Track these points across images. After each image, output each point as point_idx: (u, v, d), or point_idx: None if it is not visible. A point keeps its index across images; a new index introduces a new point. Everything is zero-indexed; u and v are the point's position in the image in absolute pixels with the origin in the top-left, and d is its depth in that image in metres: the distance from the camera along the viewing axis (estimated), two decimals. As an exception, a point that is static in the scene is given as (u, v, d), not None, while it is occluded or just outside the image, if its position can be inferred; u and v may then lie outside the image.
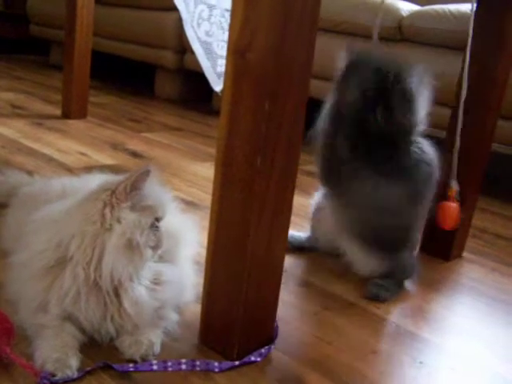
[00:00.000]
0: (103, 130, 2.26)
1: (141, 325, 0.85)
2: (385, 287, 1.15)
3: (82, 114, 2.37)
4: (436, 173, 1.13)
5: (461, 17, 2.05)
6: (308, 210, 1.34)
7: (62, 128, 2.18)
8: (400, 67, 1.06)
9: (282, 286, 0.91)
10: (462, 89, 1.24)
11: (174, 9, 2.22)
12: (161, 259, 0.92)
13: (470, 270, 1.37)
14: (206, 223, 0.86)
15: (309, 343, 0.96)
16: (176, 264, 0.96)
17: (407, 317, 1.10)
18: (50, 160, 1.75)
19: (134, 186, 0.82)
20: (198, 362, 0.84)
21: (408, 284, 1.21)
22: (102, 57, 3.20)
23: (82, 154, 1.87)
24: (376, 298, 1.13)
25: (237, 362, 0.85)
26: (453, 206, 1.26)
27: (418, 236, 1.23)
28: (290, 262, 1.26)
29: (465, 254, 1.45)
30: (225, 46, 0.69)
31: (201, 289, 0.90)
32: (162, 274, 0.91)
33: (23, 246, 0.89)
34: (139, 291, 0.85)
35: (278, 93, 0.76)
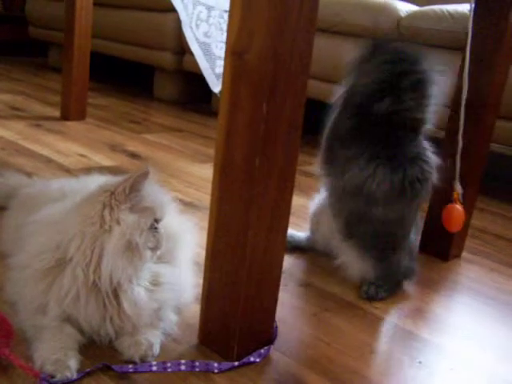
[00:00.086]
0: (102, 131, 2.26)
1: (140, 326, 0.85)
2: (380, 287, 1.14)
3: (80, 116, 2.37)
4: (434, 174, 1.12)
5: (459, 17, 2.05)
6: (307, 211, 1.34)
7: (61, 129, 2.18)
8: (416, 61, 1.06)
9: (281, 286, 0.91)
10: (462, 89, 1.23)
11: (173, 10, 2.21)
12: (160, 260, 0.92)
13: (469, 270, 1.37)
14: (205, 224, 0.86)
15: (308, 344, 0.96)
16: (175, 265, 0.97)
17: (406, 317, 1.10)
18: (48, 161, 1.75)
19: (133, 188, 0.82)
20: (197, 363, 0.84)
21: (406, 284, 1.21)
22: (101, 58, 3.20)
23: (81, 155, 1.87)
24: (371, 298, 1.13)
25: (236, 363, 0.85)
26: (458, 209, 1.26)
27: (414, 238, 1.22)
28: (289, 262, 1.26)
29: (464, 254, 1.45)
30: (223, 47, 0.69)
31: (200, 289, 0.90)
32: (161, 275, 0.91)
33: (22, 248, 0.90)
34: (138, 292, 0.85)
35: (276, 94, 0.76)
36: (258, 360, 0.88)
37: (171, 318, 0.92)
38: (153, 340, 0.85)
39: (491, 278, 1.33)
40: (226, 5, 0.84)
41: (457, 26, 2.02)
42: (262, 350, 0.89)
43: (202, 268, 0.88)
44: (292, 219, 0.88)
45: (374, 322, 1.06)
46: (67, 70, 2.31)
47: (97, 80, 3.12)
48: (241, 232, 0.81)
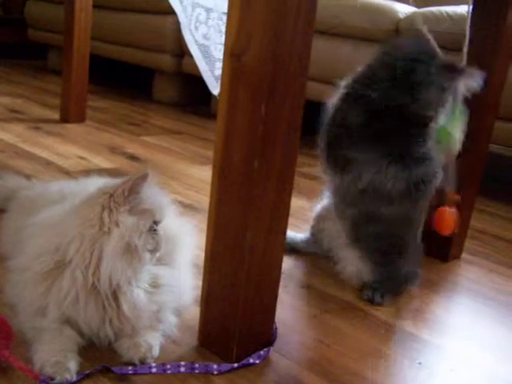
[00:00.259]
0: (102, 133, 2.26)
1: (139, 328, 0.85)
2: (380, 291, 1.14)
3: (80, 118, 2.37)
4: (438, 174, 1.11)
5: (458, 18, 2.05)
6: (306, 213, 1.34)
7: (61, 132, 2.18)
8: (433, 60, 1.05)
9: (281, 288, 0.91)
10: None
11: (172, 12, 2.22)
12: (159, 262, 0.92)
13: (469, 271, 1.37)
14: (205, 226, 0.86)
15: (308, 345, 0.96)
16: (174, 267, 0.97)
17: (406, 318, 1.10)
18: (48, 164, 1.75)
19: (132, 190, 0.82)
20: (196, 365, 0.84)
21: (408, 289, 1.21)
22: (101, 61, 3.20)
23: (81, 157, 1.88)
24: (370, 302, 1.13)
25: (236, 365, 0.85)
26: (450, 212, 1.24)
27: (419, 242, 1.20)
28: (289, 264, 1.26)
29: (463, 255, 1.45)
30: (222, 48, 0.69)
31: (199, 291, 0.90)
32: (161, 277, 0.91)
33: (22, 250, 0.90)
34: (138, 294, 0.85)
35: (275, 96, 0.76)
36: (257, 362, 0.88)
37: (171, 319, 0.92)
38: (152, 342, 0.85)
39: (490, 279, 1.33)
40: (225, 7, 0.84)
41: (456, 27, 2.02)
42: (262, 352, 0.89)
43: (202, 270, 0.89)
44: (291, 221, 0.88)
45: (375, 324, 1.06)
46: (67, 72, 2.31)
47: (96, 82, 3.12)
48: (240, 234, 0.81)
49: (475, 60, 1.24)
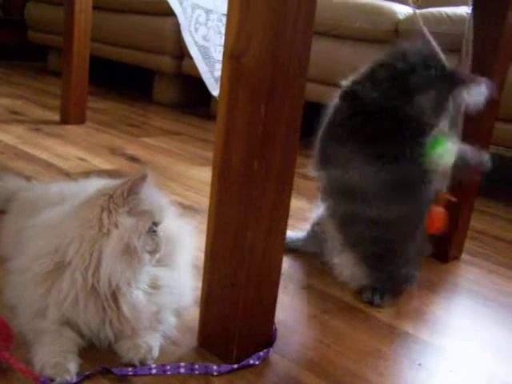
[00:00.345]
0: (101, 135, 2.26)
1: (139, 329, 0.85)
2: (379, 293, 1.13)
3: (80, 120, 2.37)
4: (431, 180, 1.10)
5: (458, 20, 2.05)
6: (305, 213, 1.34)
7: (61, 133, 2.18)
8: (435, 66, 1.03)
9: (281, 288, 0.91)
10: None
11: (172, 14, 2.21)
12: (159, 263, 0.92)
13: (469, 272, 1.37)
14: (205, 227, 0.86)
15: (308, 346, 0.96)
16: (174, 268, 0.97)
17: (406, 319, 1.10)
18: (48, 165, 1.75)
19: (132, 191, 0.82)
20: (196, 366, 0.84)
21: (407, 290, 1.21)
22: (101, 62, 3.21)
23: (81, 159, 1.88)
24: (370, 304, 1.13)
25: (235, 366, 0.85)
26: (436, 211, 1.23)
27: (419, 245, 1.19)
28: (289, 264, 1.26)
29: (463, 255, 1.45)
30: (222, 50, 0.69)
31: (199, 292, 0.90)
32: (160, 279, 0.91)
33: (22, 252, 0.90)
34: (137, 296, 0.85)
35: (274, 97, 0.76)
36: (257, 362, 0.88)
37: (170, 320, 0.92)
38: (152, 343, 0.85)
39: (490, 280, 1.33)
40: (225, 8, 0.84)
41: (455, 28, 2.02)
42: (262, 353, 0.89)
43: (201, 271, 0.89)
44: (290, 222, 0.88)
45: (374, 324, 1.06)
46: (66, 73, 2.31)
47: (96, 84, 3.12)
48: (239, 234, 0.81)
49: (475, 60, 1.25)
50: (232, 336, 0.86)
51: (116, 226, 0.81)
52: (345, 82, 1.11)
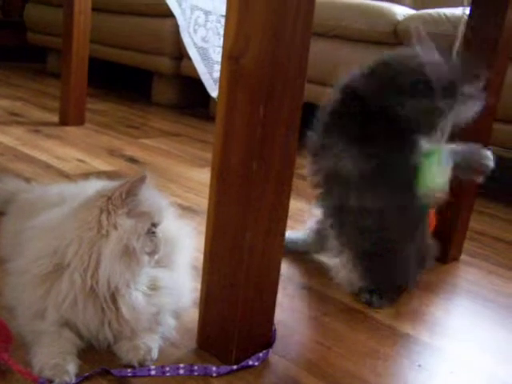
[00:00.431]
0: (101, 136, 2.26)
1: (138, 330, 0.85)
2: (377, 294, 1.13)
3: (79, 121, 2.37)
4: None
5: (456, 21, 2.05)
6: (304, 214, 1.34)
7: (60, 135, 2.18)
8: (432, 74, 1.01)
9: (280, 289, 0.91)
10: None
11: (171, 15, 2.22)
12: (158, 265, 0.92)
13: (468, 273, 1.37)
14: (204, 228, 0.86)
15: (307, 347, 0.96)
16: (173, 269, 0.97)
17: (406, 320, 1.10)
18: (47, 167, 1.75)
19: (130, 192, 0.82)
20: (195, 367, 0.84)
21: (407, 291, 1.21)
22: (100, 64, 3.21)
23: (80, 160, 1.88)
24: (369, 305, 1.12)
25: (235, 367, 0.85)
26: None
27: (416, 248, 1.18)
28: (288, 265, 1.26)
29: (463, 256, 1.45)
30: (221, 51, 0.69)
31: (198, 294, 0.90)
32: (159, 280, 0.91)
33: (20, 253, 0.90)
34: (136, 297, 0.85)
35: (273, 98, 0.76)
36: (256, 364, 0.87)
37: (169, 322, 0.92)
38: (151, 344, 0.85)
39: (490, 281, 1.33)
40: (223, 9, 0.85)
41: (454, 29, 2.03)
42: (261, 354, 0.89)
43: (201, 272, 0.88)
44: (289, 223, 0.88)
45: (374, 326, 1.06)
46: (66, 75, 2.31)
47: (95, 85, 3.12)
48: (238, 235, 0.81)
49: (475, 60, 1.25)
50: (231, 337, 0.86)
51: (115, 227, 0.81)
52: (342, 81, 1.11)
